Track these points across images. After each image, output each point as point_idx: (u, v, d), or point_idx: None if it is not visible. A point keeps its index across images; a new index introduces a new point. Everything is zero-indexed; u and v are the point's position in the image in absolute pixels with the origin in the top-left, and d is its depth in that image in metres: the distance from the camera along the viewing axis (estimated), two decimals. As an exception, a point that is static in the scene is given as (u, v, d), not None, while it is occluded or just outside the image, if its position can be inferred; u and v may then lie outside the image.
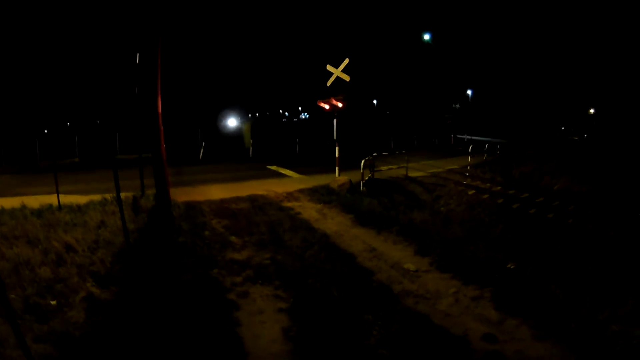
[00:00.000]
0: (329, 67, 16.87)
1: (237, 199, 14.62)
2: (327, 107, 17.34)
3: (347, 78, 16.46)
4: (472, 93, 62.12)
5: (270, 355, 5.68)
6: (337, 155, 17.46)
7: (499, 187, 18.69)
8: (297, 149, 34.24)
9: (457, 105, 75.75)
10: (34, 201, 13.10)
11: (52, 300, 6.71)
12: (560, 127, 69.55)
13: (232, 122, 46.75)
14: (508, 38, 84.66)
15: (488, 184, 19.31)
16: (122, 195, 9.69)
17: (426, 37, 42.50)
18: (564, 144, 47.83)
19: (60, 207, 12.50)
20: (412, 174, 20.60)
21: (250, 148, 32.79)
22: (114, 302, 6.96)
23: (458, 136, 49.97)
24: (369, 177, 17.24)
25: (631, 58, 55.34)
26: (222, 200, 14.47)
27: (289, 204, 14.07)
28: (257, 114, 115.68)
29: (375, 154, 18.77)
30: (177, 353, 5.57)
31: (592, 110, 67.76)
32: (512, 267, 8.46)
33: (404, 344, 5.75)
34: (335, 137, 17.42)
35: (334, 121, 17.36)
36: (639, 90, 53.84)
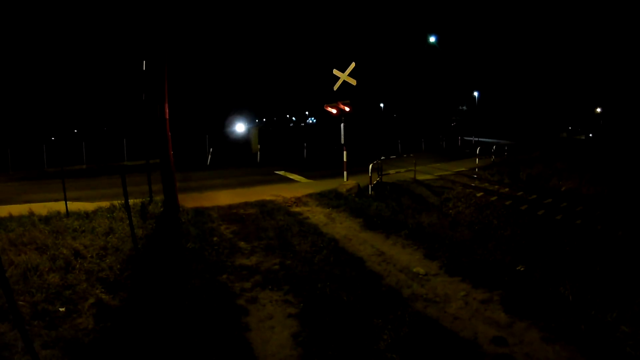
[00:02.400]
0: (335, 72, 16.87)
1: (246, 205, 14.63)
2: (334, 111, 17.35)
3: (353, 82, 16.45)
4: (479, 95, 61.93)
5: (279, 360, 5.67)
6: (345, 159, 17.44)
7: (507, 189, 18.64)
8: (305, 153, 34.21)
9: (464, 107, 75.54)
10: (42, 208, 13.13)
11: (61, 307, 6.73)
12: (567, 126, 69.28)
13: (239, 127, 46.78)
14: (514, 39, 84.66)
15: (496, 186, 19.26)
16: (130, 201, 9.71)
17: (432, 39, 42.42)
18: (571, 144, 47.61)
19: (68, 213, 12.52)
20: (420, 177, 20.53)
21: (258, 153, 32.80)
22: (123, 308, 6.97)
23: (465, 138, 49.91)
24: (377, 181, 17.20)
25: (637, 56, 55.13)
26: (231, 206, 14.48)
27: (297, 209, 14.06)
28: (264, 119, 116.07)
29: (383, 157, 18.75)
30: (186, 359, 5.56)
31: (598, 110, 67.41)
32: (521, 269, 8.41)
33: (414, 348, 5.72)
34: (343, 141, 17.39)
35: (342, 125, 17.35)
36: None
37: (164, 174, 13.49)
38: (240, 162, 31.03)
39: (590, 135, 62.71)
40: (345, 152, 17.45)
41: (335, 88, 16.93)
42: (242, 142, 40.50)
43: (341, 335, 6.05)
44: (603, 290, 7.07)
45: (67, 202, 12.97)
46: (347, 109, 16.83)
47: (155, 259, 9.18)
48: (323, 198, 15.47)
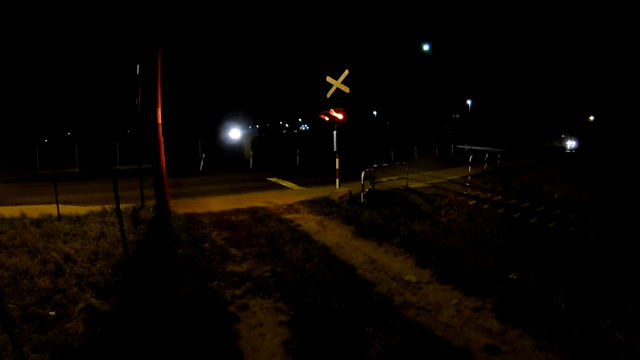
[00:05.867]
0: (328, 79, 16.87)
1: (237, 211, 14.60)
2: (327, 118, 17.35)
3: (347, 89, 16.46)
4: (472, 103, 62.22)
5: (270, 367, 5.64)
6: (337, 166, 17.44)
7: (499, 197, 18.68)
8: (297, 160, 34.23)
9: (457, 115, 75.80)
10: (34, 211, 13.08)
11: (51, 311, 6.68)
12: (560, 134, 69.60)
13: (232, 133, 46.68)
14: (507, 48, 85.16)
15: (489, 194, 19.30)
16: (122, 206, 9.68)
17: (425, 47, 42.58)
18: (563, 152, 47.83)
19: (59, 217, 12.47)
20: (413, 184, 20.57)
21: (251, 159, 32.82)
22: (113, 313, 6.93)
23: (458, 146, 50.04)
24: (370, 189, 17.21)
25: (630, 64, 55.57)
26: (222, 212, 14.45)
27: (289, 216, 14.04)
28: (257, 126, 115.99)
29: (375, 165, 18.78)
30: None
31: (591, 118, 67.78)
32: (514, 277, 8.42)
33: (405, 356, 5.69)
34: (335, 148, 17.40)
35: (334, 133, 17.35)
36: (638, 97, 54.01)
37: (156, 179, 13.46)
38: (232, 168, 31.07)
39: (573, 145, 62.88)
40: (337, 160, 17.45)
41: (328, 95, 16.93)
42: (235, 149, 40.52)
43: (332, 343, 6.01)
44: (596, 297, 7.09)
45: (59, 205, 12.92)
46: (340, 116, 16.83)
47: (146, 264, 9.15)
48: (315, 205, 15.45)
